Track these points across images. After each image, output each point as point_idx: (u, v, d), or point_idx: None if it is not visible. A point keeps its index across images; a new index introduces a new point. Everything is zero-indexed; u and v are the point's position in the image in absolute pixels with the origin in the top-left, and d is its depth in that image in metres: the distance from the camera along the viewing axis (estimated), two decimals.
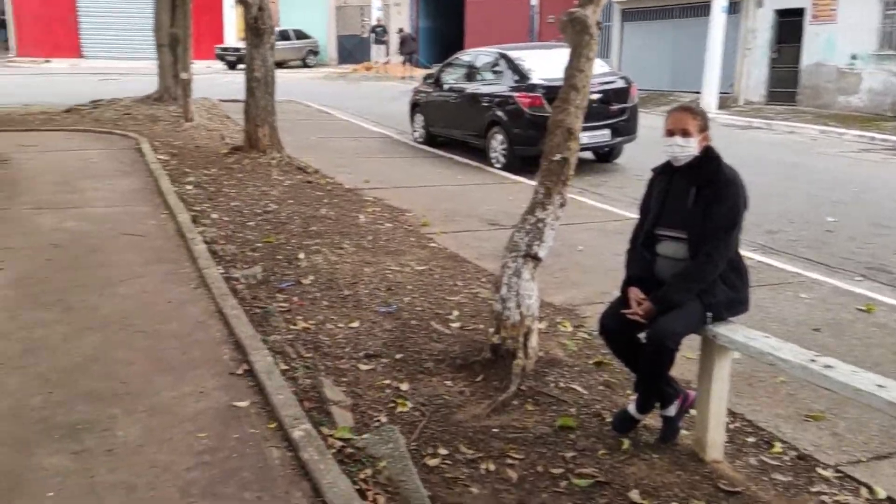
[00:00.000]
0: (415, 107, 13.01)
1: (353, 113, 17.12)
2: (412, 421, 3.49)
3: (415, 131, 13.02)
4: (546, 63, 10.05)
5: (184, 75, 13.10)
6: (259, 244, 6.30)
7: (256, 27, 9.70)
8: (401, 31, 28.67)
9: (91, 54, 34.11)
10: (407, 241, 6.69)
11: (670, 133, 3.19)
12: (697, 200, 3.16)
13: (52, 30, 33.61)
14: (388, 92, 22.84)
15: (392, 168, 10.48)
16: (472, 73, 11.49)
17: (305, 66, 32.32)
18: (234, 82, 24.38)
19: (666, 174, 3.33)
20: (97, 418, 3.34)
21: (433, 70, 14.07)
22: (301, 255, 6.02)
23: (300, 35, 32.81)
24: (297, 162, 10.02)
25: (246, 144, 10.17)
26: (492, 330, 4.05)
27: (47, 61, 32.10)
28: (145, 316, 4.56)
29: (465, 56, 12.13)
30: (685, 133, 3.16)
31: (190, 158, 9.89)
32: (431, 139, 12.52)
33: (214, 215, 7.08)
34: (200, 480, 2.91)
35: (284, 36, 30.33)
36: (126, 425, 3.29)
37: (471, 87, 11.27)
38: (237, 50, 30.16)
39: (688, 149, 3.17)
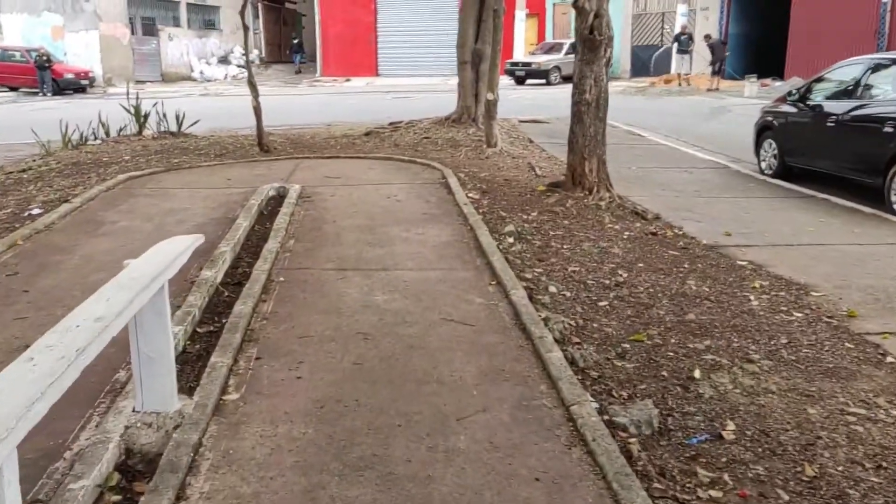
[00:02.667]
0: (764, 130, 10.47)
1: (665, 134, 14.87)
2: None
3: (762, 161, 10.47)
4: None
5: (489, 96, 11.77)
6: (626, 344, 4.43)
7: (591, 38, 7.90)
8: (708, 37, 25.56)
9: (385, 72, 35.20)
10: (842, 350, 4.43)
11: None
12: None
13: (353, 50, 35.17)
14: (697, 108, 20.15)
15: (749, 213, 8.11)
16: (859, 88, 8.72)
17: None
18: (524, 98, 23.26)
19: None
20: None
21: (787, 84, 11.39)
22: (697, 374, 4.04)
23: None
24: (629, 203, 8.07)
25: (568, 180, 8.42)
26: None
27: (347, 80, 33.53)
28: None
29: (849, 66, 9.31)
30: None
31: (503, 197, 8.35)
32: (786, 172, 9.91)
33: (552, 288, 5.34)
34: None
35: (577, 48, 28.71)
36: None
37: (857, 108, 8.53)
38: (527, 65, 29.26)
39: None
